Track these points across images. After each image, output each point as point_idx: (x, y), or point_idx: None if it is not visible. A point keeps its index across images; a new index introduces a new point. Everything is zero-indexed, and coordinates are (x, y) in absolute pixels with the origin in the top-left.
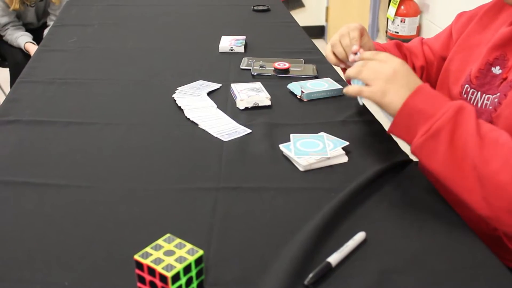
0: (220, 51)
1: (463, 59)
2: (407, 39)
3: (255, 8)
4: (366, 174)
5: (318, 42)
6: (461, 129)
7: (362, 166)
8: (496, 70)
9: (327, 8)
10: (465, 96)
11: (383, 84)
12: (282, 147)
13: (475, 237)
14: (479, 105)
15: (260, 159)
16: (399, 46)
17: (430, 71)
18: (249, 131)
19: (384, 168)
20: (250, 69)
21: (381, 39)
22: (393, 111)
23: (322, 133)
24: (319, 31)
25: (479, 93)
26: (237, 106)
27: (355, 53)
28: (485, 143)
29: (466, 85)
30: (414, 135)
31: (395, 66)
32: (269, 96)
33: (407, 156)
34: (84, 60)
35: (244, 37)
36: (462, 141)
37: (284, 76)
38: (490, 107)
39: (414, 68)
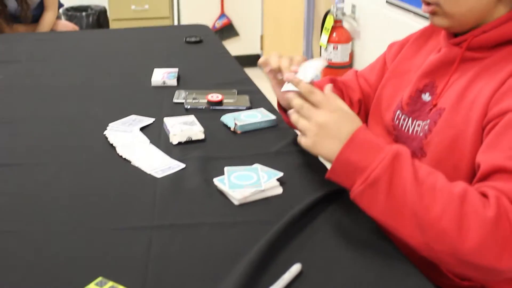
0: (152, 84)
1: (395, 85)
2: (341, 66)
3: (187, 40)
4: (301, 204)
5: (254, 71)
6: (398, 177)
7: (297, 196)
8: (426, 97)
9: (261, 37)
10: (396, 122)
11: (314, 137)
12: (216, 181)
13: (409, 264)
14: (410, 131)
15: (195, 194)
16: (334, 81)
17: (368, 103)
18: (183, 166)
19: (318, 197)
20: (183, 103)
21: None
22: (329, 161)
23: (256, 165)
24: (254, 60)
25: (410, 119)
26: (170, 141)
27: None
28: (424, 190)
29: (398, 111)
30: (352, 183)
31: (325, 115)
32: (202, 129)
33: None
34: (11, 98)
35: (177, 69)
36: (400, 190)
37: (217, 108)
38: (421, 134)
39: (351, 102)
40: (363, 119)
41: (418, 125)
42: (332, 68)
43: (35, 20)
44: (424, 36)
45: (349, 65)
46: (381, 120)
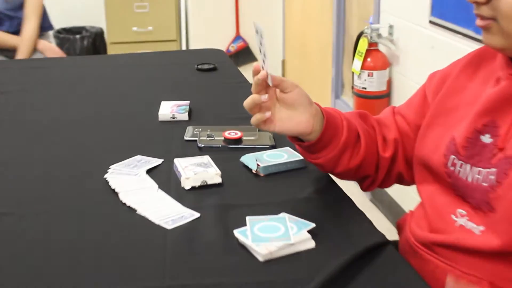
0: (160, 119)
1: (442, 124)
2: (377, 96)
3: (199, 67)
4: (337, 261)
5: None
6: None
7: (333, 251)
8: (486, 138)
9: (283, 62)
10: (452, 168)
11: None
12: (237, 233)
13: None
14: (469, 179)
15: (212, 249)
16: (365, 117)
17: (407, 144)
18: (197, 215)
19: (357, 253)
20: (196, 140)
21: (348, 96)
22: None
23: (283, 214)
24: None
25: (468, 165)
26: (182, 185)
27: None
28: None
29: (453, 156)
30: None
31: None
32: (219, 172)
33: (384, 237)
34: None
35: (188, 102)
36: None
37: (236, 147)
38: (485, 184)
39: (385, 141)
40: (401, 161)
41: (479, 173)
42: (367, 98)
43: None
44: (473, 62)
45: (386, 95)
46: (429, 163)
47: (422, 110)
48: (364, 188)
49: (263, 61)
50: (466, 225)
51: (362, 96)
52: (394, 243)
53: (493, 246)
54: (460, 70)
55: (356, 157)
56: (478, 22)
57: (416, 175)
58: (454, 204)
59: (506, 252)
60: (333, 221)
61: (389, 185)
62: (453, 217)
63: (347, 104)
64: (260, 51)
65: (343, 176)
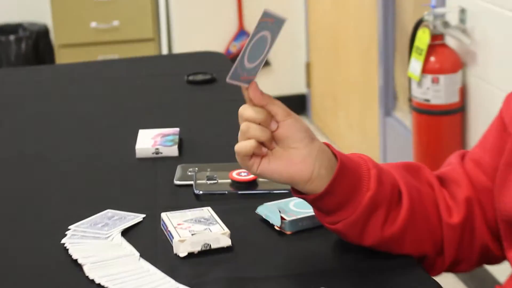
0: (137, 156)
1: None
2: (447, 111)
3: (190, 78)
4: None
5: None
6: None
7: None
8: None
9: (307, 65)
10: None
11: None
12: None
13: None
14: None
15: None
16: (415, 170)
17: (486, 202)
18: None
19: None
20: (191, 185)
21: (403, 112)
22: None
23: None
24: (298, 103)
25: None
26: (175, 251)
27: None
28: None
29: None
30: None
31: None
32: (227, 231)
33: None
34: None
35: (177, 129)
36: None
37: (249, 193)
38: None
39: (454, 201)
40: (481, 227)
41: None
42: (432, 115)
43: None
44: None
45: (459, 109)
46: None
47: (501, 146)
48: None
49: (260, 62)
50: None
51: (425, 111)
52: None
53: None
54: None
55: (394, 223)
56: None
57: (502, 236)
58: None
59: None
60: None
61: (468, 267)
62: None
63: (403, 124)
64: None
65: (383, 249)
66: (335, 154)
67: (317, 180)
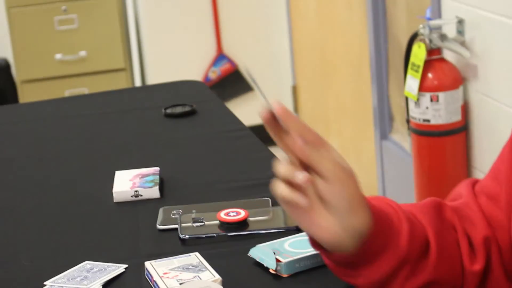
0: (115, 200)
1: None
2: (448, 131)
3: (168, 111)
4: None
5: None
6: None
7: None
8: None
9: (294, 88)
10: None
11: None
12: None
13: None
14: None
15: None
16: (440, 210)
17: (502, 242)
18: None
19: None
20: (176, 229)
21: (401, 134)
22: None
23: None
24: None
25: None
26: None
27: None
28: None
29: None
30: None
31: None
32: (219, 278)
33: None
34: None
35: (157, 169)
36: None
37: (240, 234)
38: None
39: (471, 246)
40: (498, 270)
41: None
42: (432, 136)
43: None
44: None
45: (461, 128)
46: None
47: None
48: None
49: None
50: None
51: (425, 133)
52: None
53: None
54: None
55: (419, 276)
56: None
57: None
58: None
59: None
60: None
61: None
62: None
63: (401, 148)
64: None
65: None
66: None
67: (345, 245)
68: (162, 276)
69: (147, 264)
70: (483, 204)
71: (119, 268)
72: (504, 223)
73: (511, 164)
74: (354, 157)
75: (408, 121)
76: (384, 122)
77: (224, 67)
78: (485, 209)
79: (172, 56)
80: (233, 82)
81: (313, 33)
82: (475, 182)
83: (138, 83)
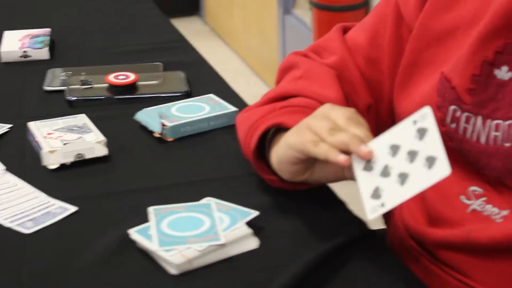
0: (3, 60)
1: (431, 60)
2: (350, 6)
3: None
4: (294, 267)
5: (191, 23)
6: None
7: (285, 252)
8: (503, 73)
9: None
10: (453, 126)
11: None
12: (135, 234)
13: None
14: (483, 139)
15: (96, 263)
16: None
17: (382, 104)
18: (72, 209)
19: (322, 253)
20: (63, 91)
21: (303, 9)
22: None
23: (208, 200)
24: (190, 2)
25: (479, 118)
26: (45, 163)
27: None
28: None
29: (453, 107)
30: None
31: None
32: (104, 139)
33: (364, 226)
34: None
35: (48, 30)
36: None
37: (128, 97)
38: (507, 144)
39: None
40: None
41: (497, 128)
42: (333, 11)
43: None
44: None
45: (362, 4)
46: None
47: (398, 41)
48: None
49: None
50: (483, 209)
51: (326, 7)
52: (382, 234)
53: None
54: None
55: None
56: None
57: None
58: (463, 181)
59: None
60: (287, 207)
61: None
62: (464, 199)
63: (303, 22)
64: None
65: None
66: None
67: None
68: (46, 136)
69: (31, 124)
70: (361, 66)
71: (3, 128)
72: (384, 86)
73: (393, 31)
74: (257, 31)
75: None
76: None
77: None
78: (364, 72)
79: None
80: None
81: None
82: (343, 29)
83: None
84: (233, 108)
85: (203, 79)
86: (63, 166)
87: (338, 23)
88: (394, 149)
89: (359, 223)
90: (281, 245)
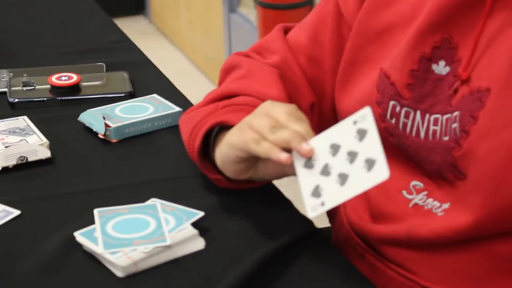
0: None
1: (370, 57)
2: (293, 4)
3: None
4: (241, 267)
5: (135, 22)
6: None
7: (232, 253)
8: (440, 68)
9: None
10: (393, 121)
11: None
12: (80, 236)
13: None
14: (422, 134)
15: (42, 266)
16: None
17: (325, 103)
18: (15, 213)
19: (269, 253)
20: (5, 93)
21: (248, 7)
22: None
23: (153, 201)
24: (135, 1)
25: (418, 113)
26: None
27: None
28: None
29: (392, 102)
30: None
31: None
32: (46, 141)
33: (311, 224)
34: None
35: None
36: None
37: (71, 99)
38: (445, 138)
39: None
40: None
41: (436, 122)
42: (277, 10)
43: None
44: None
45: (306, 2)
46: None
47: (338, 39)
48: None
49: None
50: (425, 204)
51: (270, 6)
52: (327, 233)
53: (461, 225)
54: None
55: None
56: None
57: None
58: (404, 176)
59: (476, 236)
60: (233, 207)
61: None
62: (405, 194)
63: (248, 20)
64: None
65: None
66: None
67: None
68: None
69: None
70: (303, 65)
71: None
72: (326, 85)
73: (334, 29)
74: (203, 29)
75: None
76: None
77: None
78: (306, 71)
79: None
80: None
81: None
82: (284, 29)
83: None
84: (177, 108)
85: (147, 79)
86: (5, 169)
87: (280, 23)
88: (335, 148)
89: (306, 222)
90: (227, 245)
